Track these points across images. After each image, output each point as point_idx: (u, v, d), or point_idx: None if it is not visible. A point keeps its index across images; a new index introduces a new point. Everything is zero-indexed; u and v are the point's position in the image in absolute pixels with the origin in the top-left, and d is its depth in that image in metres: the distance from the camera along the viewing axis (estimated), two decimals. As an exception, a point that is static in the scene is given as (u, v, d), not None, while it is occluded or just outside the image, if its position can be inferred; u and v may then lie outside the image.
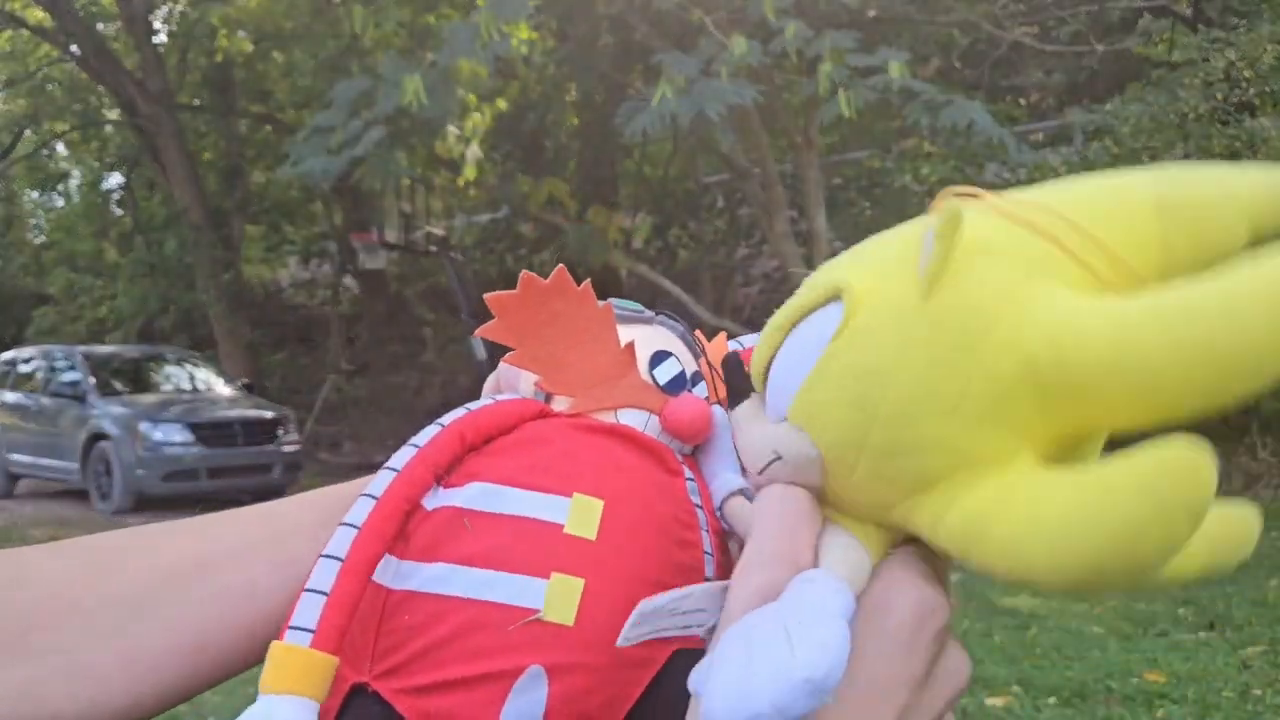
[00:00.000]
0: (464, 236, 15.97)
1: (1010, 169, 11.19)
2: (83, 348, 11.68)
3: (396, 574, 0.48)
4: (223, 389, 11.62)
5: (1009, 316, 0.38)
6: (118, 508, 9.85)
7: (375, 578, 0.47)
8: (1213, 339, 0.34)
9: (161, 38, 16.78)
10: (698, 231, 13.53)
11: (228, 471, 10.17)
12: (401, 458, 0.50)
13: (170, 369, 11.85)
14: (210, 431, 10.16)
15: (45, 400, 11.04)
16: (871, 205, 12.89)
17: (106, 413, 10.25)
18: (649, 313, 0.58)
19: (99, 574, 0.52)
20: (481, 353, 10.80)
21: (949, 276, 0.40)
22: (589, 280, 0.55)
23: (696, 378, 0.55)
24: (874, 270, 0.44)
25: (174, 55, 16.61)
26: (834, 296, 0.44)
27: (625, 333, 0.55)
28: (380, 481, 0.49)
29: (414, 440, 0.52)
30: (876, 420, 0.41)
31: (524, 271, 0.53)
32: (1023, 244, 0.41)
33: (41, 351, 11.87)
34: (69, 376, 10.99)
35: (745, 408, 0.49)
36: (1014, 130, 9.97)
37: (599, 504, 0.47)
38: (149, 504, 10.09)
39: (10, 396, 11.51)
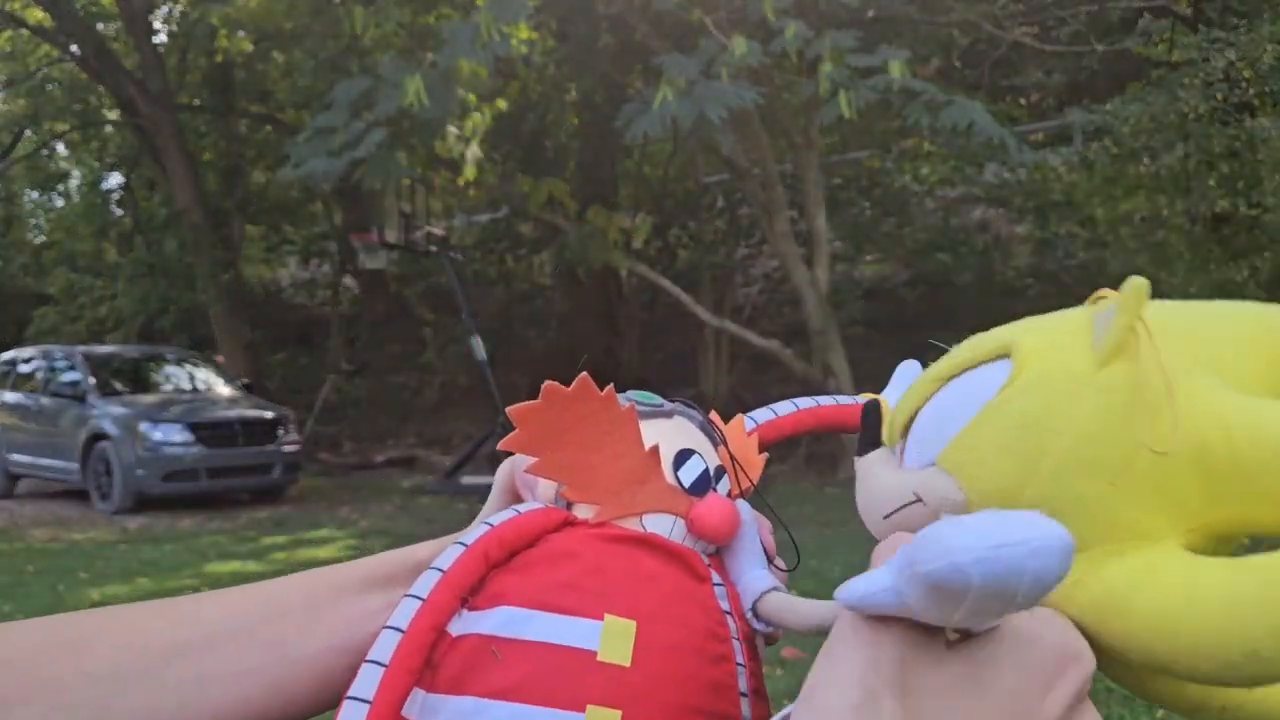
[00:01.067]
0: (464, 236, 15.97)
1: (1010, 169, 11.20)
2: (83, 348, 11.68)
3: (423, 708, 0.46)
4: (223, 389, 11.62)
5: (1182, 398, 0.39)
6: (118, 507, 9.85)
7: (403, 712, 0.46)
8: None
9: (161, 38, 16.79)
10: (698, 231, 13.54)
11: (228, 471, 10.17)
12: (425, 584, 0.48)
13: (170, 369, 11.85)
14: (210, 431, 10.16)
15: (45, 400, 11.04)
16: (871, 205, 12.89)
17: (106, 413, 10.25)
18: (667, 404, 0.57)
19: (76, 651, 0.50)
20: (481, 353, 10.79)
21: (1125, 350, 0.41)
22: (611, 386, 0.54)
23: (719, 473, 0.54)
24: (1045, 336, 0.44)
25: (174, 55, 16.61)
26: (1002, 354, 0.44)
27: (646, 430, 0.53)
28: (405, 611, 0.47)
29: (437, 563, 0.50)
30: (1036, 474, 0.41)
31: (547, 382, 0.51)
32: (1193, 337, 0.42)
33: (41, 351, 11.88)
34: (69, 376, 11.00)
35: (876, 456, 0.48)
36: (1014, 130, 9.96)
37: (632, 626, 0.46)
38: (149, 504, 10.10)
39: (10, 396, 11.51)
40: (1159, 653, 0.38)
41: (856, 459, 0.48)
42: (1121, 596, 0.39)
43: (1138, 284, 0.40)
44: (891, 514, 0.46)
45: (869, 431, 0.48)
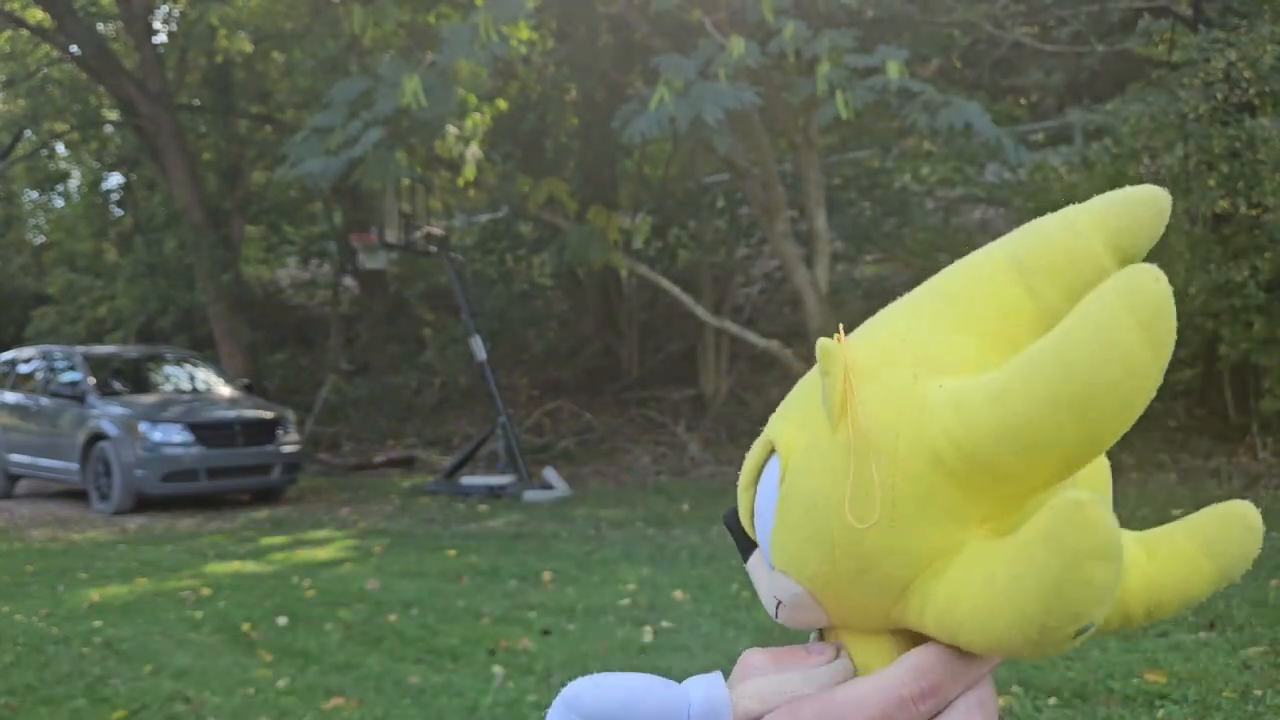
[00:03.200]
0: (464, 236, 15.97)
1: (1011, 169, 11.20)
2: (82, 348, 11.67)
3: None
4: (222, 389, 11.62)
5: (908, 421, 0.42)
6: (117, 508, 9.84)
7: None
8: (1056, 388, 0.37)
9: (161, 38, 16.80)
10: (698, 231, 13.53)
11: (227, 472, 10.17)
12: None
13: (170, 369, 11.85)
14: (210, 432, 10.15)
15: (45, 400, 11.04)
16: (871, 205, 12.89)
17: (106, 413, 10.25)
18: None
19: None
20: (481, 353, 10.79)
21: (849, 404, 0.43)
22: None
23: None
24: (795, 418, 0.47)
25: (174, 55, 16.61)
26: (771, 450, 0.47)
27: None
28: None
29: None
30: (836, 547, 0.44)
31: None
32: (906, 346, 0.45)
33: (41, 352, 11.87)
34: (69, 377, 10.99)
35: (755, 559, 0.51)
36: (1014, 130, 9.95)
37: None
38: (148, 504, 10.09)
39: (10, 397, 11.51)
40: (992, 647, 0.41)
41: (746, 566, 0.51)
42: (948, 612, 0.42)
43: (824, 346, 0.44)
44: (775, 614, 0.49)
45: (736, 538, 0.50)
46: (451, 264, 11.29)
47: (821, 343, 0.44)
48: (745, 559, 0.51)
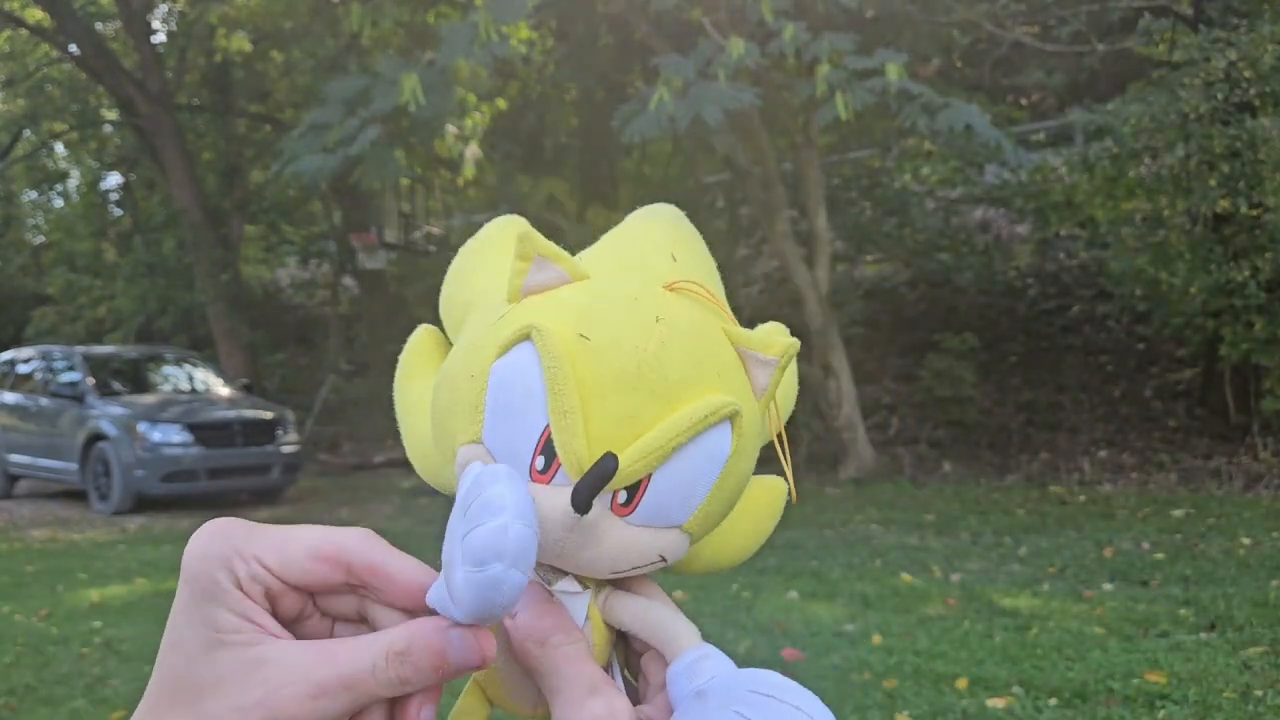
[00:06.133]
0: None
1: (1011, 170, 11.20)
2: (82, 348, 11.66)
3: None
4: (222, 389, 11.61)
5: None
6: (117, 508, 9.84)
7: None
8: None
9: (160, 37, 16.80)
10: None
11: (227, 472, 10.16)
12: None
13: (169, 369, 11.84)
14: (209, 432, 10.15)
15: (44, 401, 11.03)
16: (872, 205, 12.89)
17: (105, 413, 10.24)
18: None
19: None
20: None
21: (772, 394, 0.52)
22: None
23: None
24: (745, 396, 0.50)
25: (173, 55, 16.61)
26: (726, 419, 0.48)
27: None
28: None
29: None
30: (732, 509, 0.51)
31: None
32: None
33: (41, 352, 11.86)
34: (68, 377, 10.98)
35: (600, 513, 0.47)
36: (1014, 130, 9.95)
37: None
38: (148, 505, 10.09)
39: (10, 397, 11.50)
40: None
41: (577, 512, 0.47)
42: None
43: (786, 348, 0.51)
44: (635, 569, 0.50)
45: (597, 487, 0.46)
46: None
47: (792, 344, 0.51)
48: (585, 510, 0.47)
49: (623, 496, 0.47)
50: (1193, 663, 3.72)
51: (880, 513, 7.86)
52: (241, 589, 0.45)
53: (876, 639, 4.26)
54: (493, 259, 0.61)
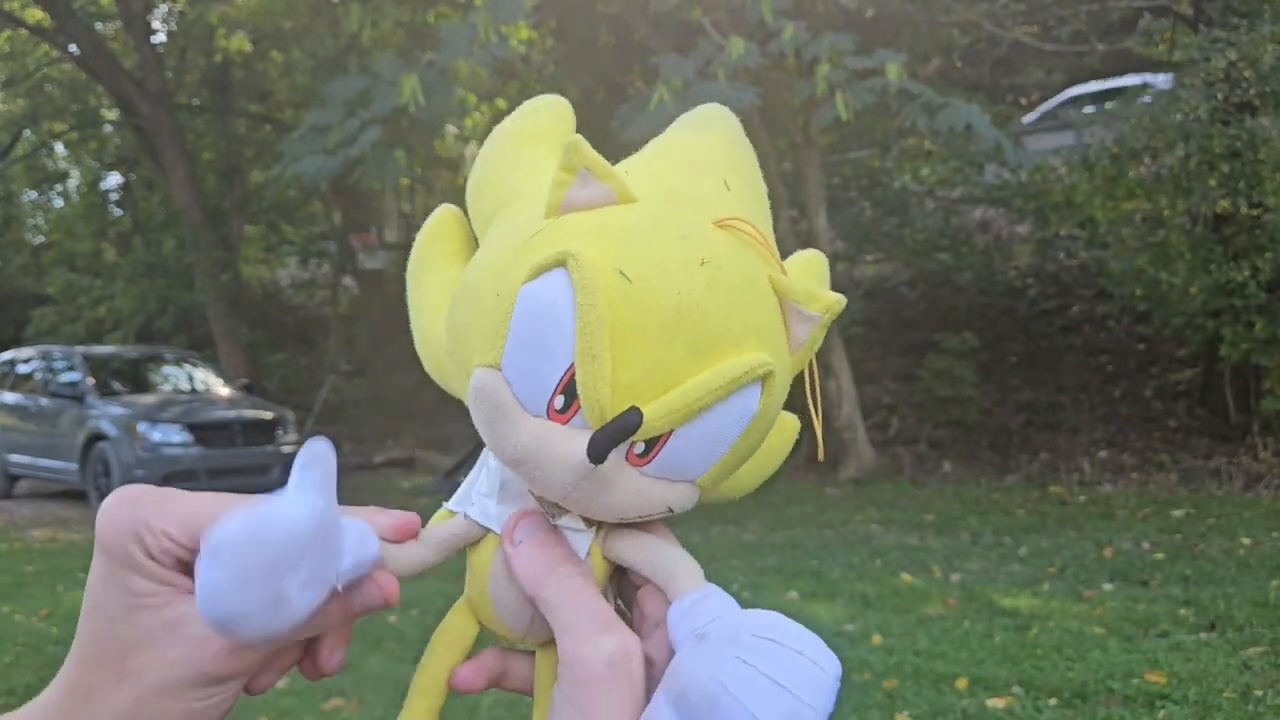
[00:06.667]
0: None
1: (1011, 170, 11.20)
2: (81, 348, 11.66)
3: None
4: (221, 389, 11.61)
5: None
6: (117, 508, 9.82)
7: None
8: None
9: (160, 37, 16.79)
10: (698, 231, 13.51)
11: (226, 472, 10.15)
12: None
13: (169, 369, 11.84)
14: (209, 432, 10.15)
15: (44, 401, 11.03)
16: (872, 205, 12.89)
17: (105, 413, 10.24)
18: None
19: None
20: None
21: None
22: None
23: None
24: (777, 351, 0.48)
25: (173, 55, 16.61)
26: (756, 379, 0.46)
27: None
28: None
29: None
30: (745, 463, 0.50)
31: None
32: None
33: (41, 352, 11.86)
34: (68, 377, 10.98)
35: (615, 463, 0.46)
36: (1011, 131, 9.95)
37: None
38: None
39: (10, 397, 11.50)
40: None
41: (592, 463, 0.45)
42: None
43: (832, 303, 0.49)
44: (633, 518, 0.49)
45: (617, 440, 0.44)
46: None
47: (836, 299, 0.49)
48: (601, 459, 0.45)
49: (640, 447, 0.46)
50: (1193, 663, 3.72)
51: (880, 513, 7.86)
52: (154, 560, 0.47)
53: (876, 639, 4.27)
54: (534, 154, 0.57)
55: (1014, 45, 11.69)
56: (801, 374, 0.52)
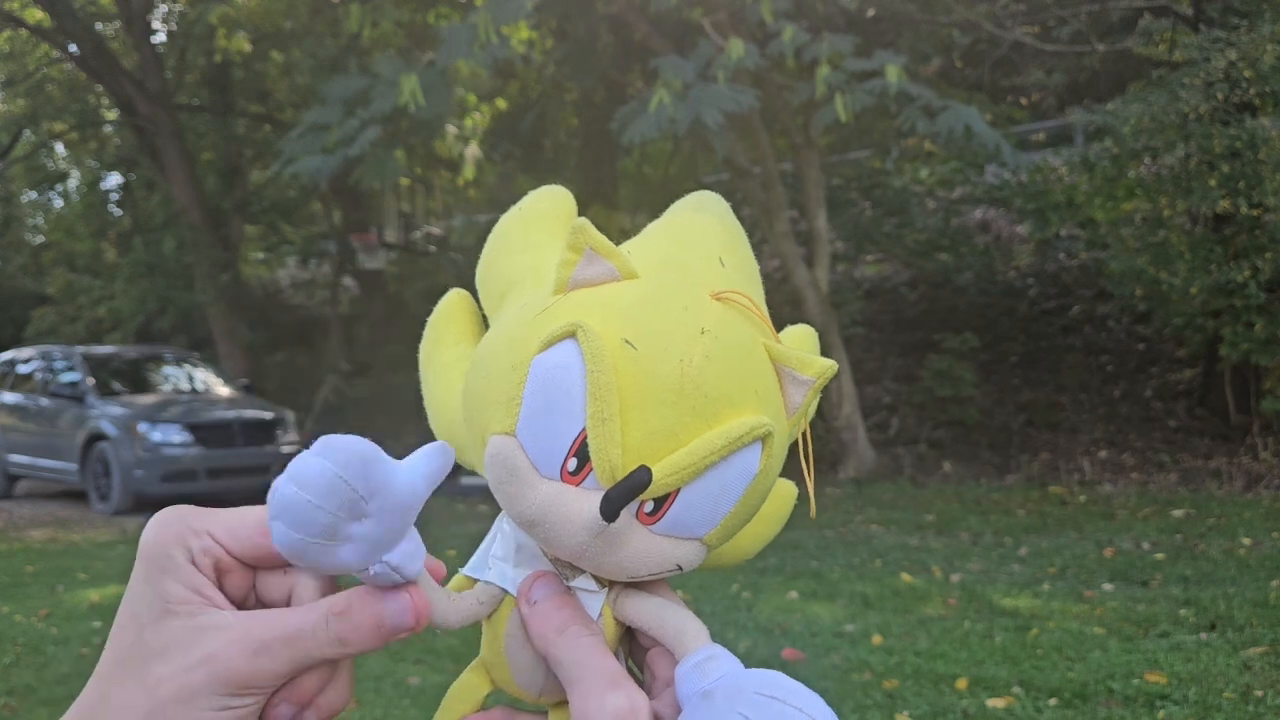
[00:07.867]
0: (464, 236, 15.97)
1: (1011, 170, 11.20)
2: (81, 348, 11.66)
3: None
4: (222, 389, 11.61)
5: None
6: (116, 508, 9.83)
7: None
8: None
9: (160, 37, 16.79)
10: (697, 231, 13.49)
11: (226, 472, 10.16)
12: None
13: (169, 369, 11.85)
14: (209, 432, 10.15)
15: (44, 401, 11.03)
16: (872, 205, 12.89)
17: (105, 413, 10.24)
18: None
19: None
20: (481, 353, 10.78)
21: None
22: None
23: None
24: (775, 414, 0.51)
25: (173, 55, 16.61)
26: (758, 439, 0.48)
27: None
28: None
29: None
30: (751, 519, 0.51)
31: None
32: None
33: (41, 352, 11.86)
34: (68, 377, 10.99)
35: (625, 521, 0.48)
36: (1014, 131, 9.95)
37: None
38: (148, 505, 10.08)
39: (10, 397, 11.50)
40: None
41: (605, 520, 0.46)
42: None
43: (826, 369, 0.51)
44: (652, 575, 0.51)
45: (628, 498, 0.46)
46: (451, 264, 11.29)
47: (829, 365, 0.51)
48: (614, 518, 0.47)
49: (649, 506, 0.48)
50: (1193, 663, 3.72)
51: (880, 513, 7.86)
52: (194, 562, 0.48)
53: (877, 639, 4.27)
54: (541, 237, 0.61)
55: (1014, 46, 11.69)
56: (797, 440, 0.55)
